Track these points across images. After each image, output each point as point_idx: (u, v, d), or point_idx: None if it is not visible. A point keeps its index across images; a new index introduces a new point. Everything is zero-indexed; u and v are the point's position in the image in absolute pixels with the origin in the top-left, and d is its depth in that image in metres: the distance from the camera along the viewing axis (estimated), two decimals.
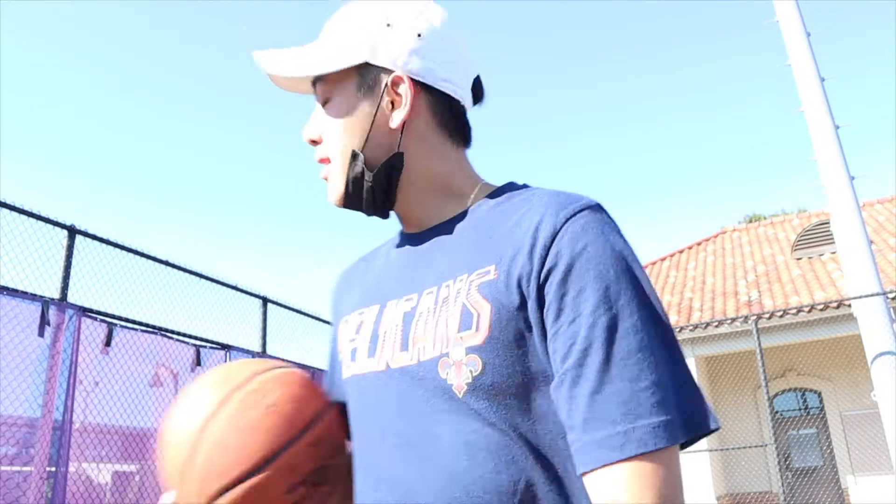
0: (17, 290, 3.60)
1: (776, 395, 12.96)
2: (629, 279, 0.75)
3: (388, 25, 0.90)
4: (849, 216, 7.50)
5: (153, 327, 4.45)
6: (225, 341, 5.01)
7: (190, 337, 4.73)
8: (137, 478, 4.31)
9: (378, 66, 0.89)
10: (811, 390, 12.86)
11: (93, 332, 4.01)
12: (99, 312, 4.08)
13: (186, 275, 4.77)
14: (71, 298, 3.92)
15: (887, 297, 7.19)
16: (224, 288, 5.06)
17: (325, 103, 0.93)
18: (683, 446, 0.73)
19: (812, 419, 12.69)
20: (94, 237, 4.13)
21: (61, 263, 3.93)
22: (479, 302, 0.79)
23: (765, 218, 23.68)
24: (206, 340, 4.86)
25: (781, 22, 8.57)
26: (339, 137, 0.91)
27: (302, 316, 5.94)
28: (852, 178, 7.68)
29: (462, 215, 0.90)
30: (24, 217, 3.70)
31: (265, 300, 5.48)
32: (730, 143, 55.49)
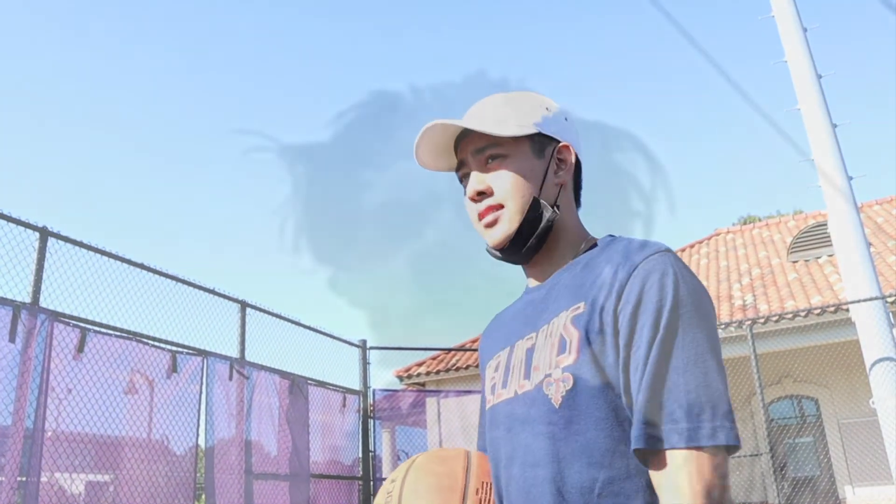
0: None
1: (772, 402, 12.84)
2: (677, 315, 0.97)
3: (548, 109, 1.21)
4: (846, 217, 7.49)
5: (127, 333, 4.40)
6: (202, 347, 4.95)
7: (165, 342, 4.67)
8: (111, 488, 4.30)
9: (547, 136, 1.19)
10: (808, 397, 12.78)
11: (65, 337, 3.99)
12: (71, 317, 4.06)
13: (162, 278, 4.71)
14: (43, 303, 3.90)
15: (886, 302, 7.18)
16: (201, 292, 4.99)
17: (490, 162, 1.17)
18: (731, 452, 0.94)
19: (809, 427, 12.61)
20: (66, 239, 4.13)
21: (33, 267, 3.90)
22: (571, 331, 1.03)
23: (760, 219, 23.60)
24: (183, 346, 4.80)
25: (777, 18, 8.62)
26: (518, 187, 1.15)
27: (281, 321, 5.86)
28: (850, 179, 7.68)
29: (571, 266, 1.14)
30: None
31: (244, 304, 5.42)
32: (724, 142, 55.70)
